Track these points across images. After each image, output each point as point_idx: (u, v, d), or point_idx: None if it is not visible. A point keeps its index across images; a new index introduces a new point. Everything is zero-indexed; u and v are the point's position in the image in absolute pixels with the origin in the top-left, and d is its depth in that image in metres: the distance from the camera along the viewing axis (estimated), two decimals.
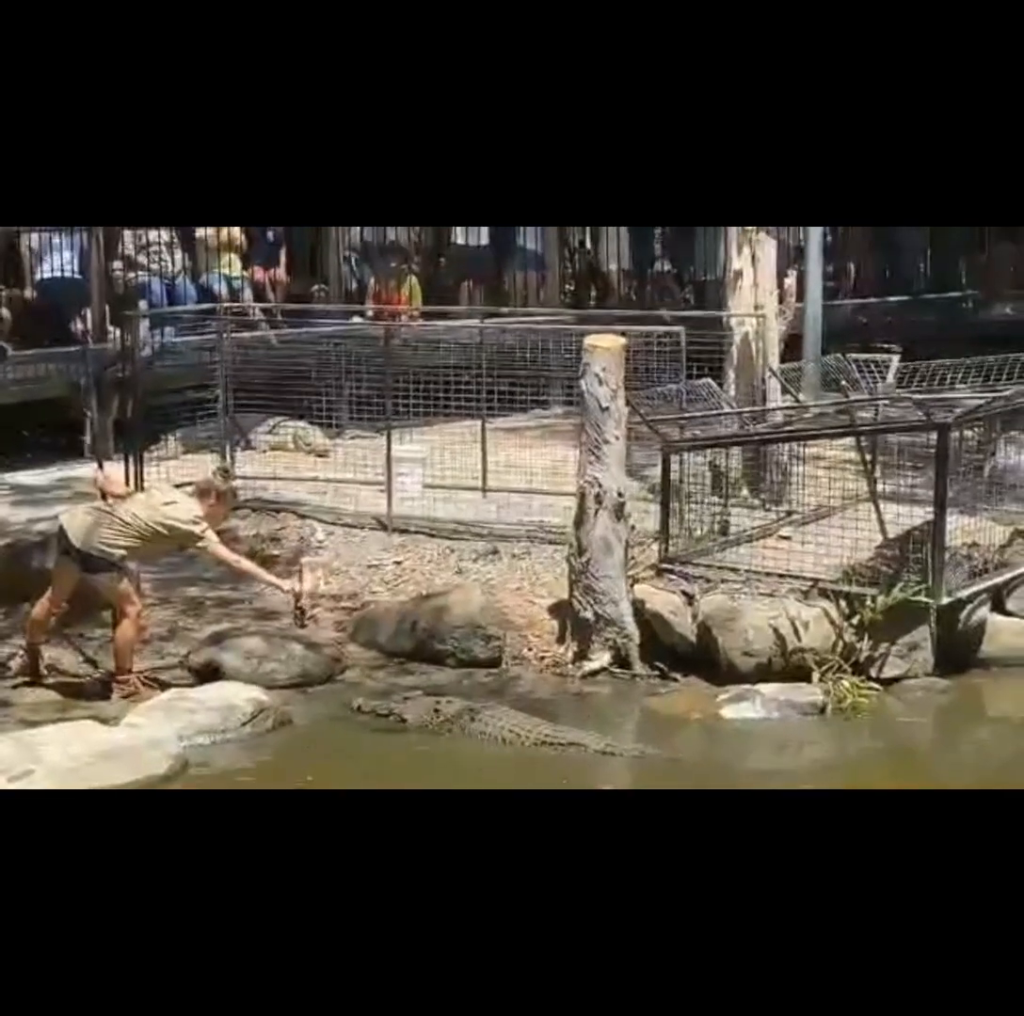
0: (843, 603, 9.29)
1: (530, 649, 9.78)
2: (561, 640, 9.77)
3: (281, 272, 16.94)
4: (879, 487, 10.47)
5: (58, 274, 14.86)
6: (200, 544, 9.06)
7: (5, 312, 14.79)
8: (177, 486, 10.32)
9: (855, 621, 9.21)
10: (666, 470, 10.17)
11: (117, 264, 15.16)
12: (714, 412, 11.11)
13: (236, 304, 15.72)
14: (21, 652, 9.17)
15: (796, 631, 9.22)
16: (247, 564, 9.45)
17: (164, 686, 8.97)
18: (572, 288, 19.63)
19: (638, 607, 9.64)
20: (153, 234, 15.31)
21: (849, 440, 10.79)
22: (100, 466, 12.36)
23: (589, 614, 9.59)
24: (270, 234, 16.69)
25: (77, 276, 14.76)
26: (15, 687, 9.00)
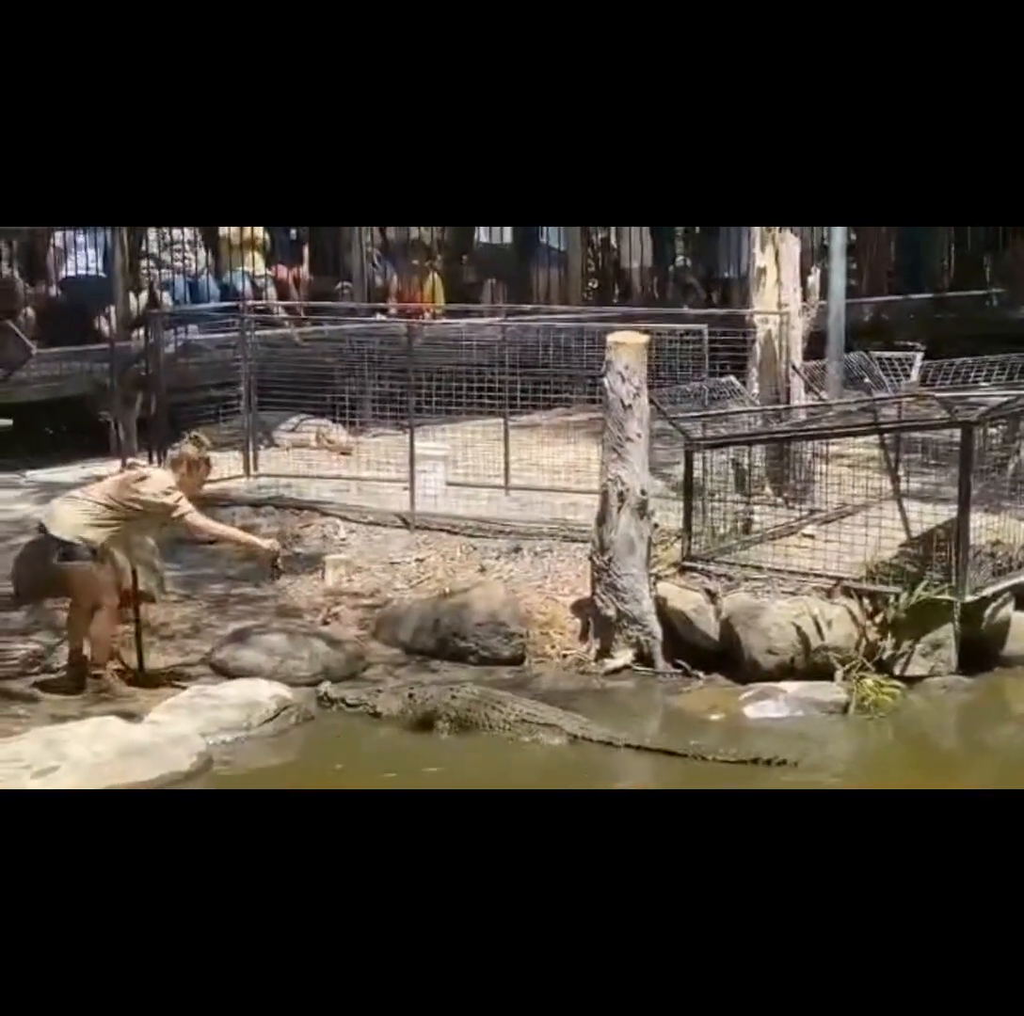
0: (866, 601, 9.26)
1: (553, 647, 9.77)
2: (584, 638, 9.77)
3: (304, 270, 16.99)
4: (903, 485, 10.43)
5: (82, 273, 14.93)
6: (175, 515, 8.92)
7: (30, 311, 14.86)
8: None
9: (878, 619, 9.18)
10: (689, 468, 10.15)
11: (144, 263, 15.24)
12: (737, 410, 11.09)
13: (259, 302, 15.77)
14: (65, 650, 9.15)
15: (819, 629, 9.19)
16: (222, 528, 9.56)
17: (181, 682, 8.98)
18: (595, 286, 19.64)
19: (661, 605, 9.63)
20: (177, 232, 15.36)
21: (872, 438, 10.77)
22: (124, 464, 12.41)
23: (612, 612, 9.58)
24: (293, 232, 16.72)
25: (101, 275, 14.83)
26: (34, 685, 9.01)
